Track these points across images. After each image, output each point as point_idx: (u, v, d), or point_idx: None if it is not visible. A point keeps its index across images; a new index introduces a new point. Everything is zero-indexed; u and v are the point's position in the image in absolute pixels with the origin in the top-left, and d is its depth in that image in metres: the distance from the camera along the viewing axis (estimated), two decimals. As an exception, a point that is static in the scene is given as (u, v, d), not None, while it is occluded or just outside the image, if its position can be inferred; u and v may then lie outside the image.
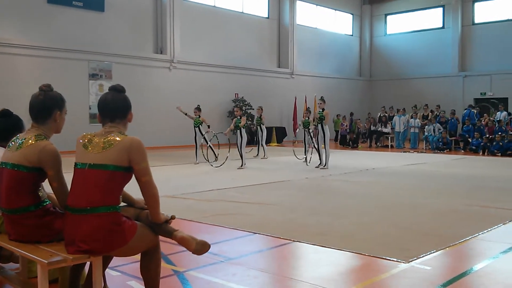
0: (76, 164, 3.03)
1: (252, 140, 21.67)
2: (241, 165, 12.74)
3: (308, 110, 16.35)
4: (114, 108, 3.12)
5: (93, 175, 2.92)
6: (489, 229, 5.77)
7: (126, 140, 2.99)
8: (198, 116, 14.02)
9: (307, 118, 14.96)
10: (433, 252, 4.78)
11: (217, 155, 13.91)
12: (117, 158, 2.94)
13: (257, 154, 16.12)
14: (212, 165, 12.76)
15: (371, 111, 27.26)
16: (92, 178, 2.91)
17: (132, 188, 3.18)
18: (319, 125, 12.58)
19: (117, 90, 3.16)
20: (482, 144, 18.30)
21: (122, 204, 3.27)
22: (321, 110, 12.59)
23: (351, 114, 26.51)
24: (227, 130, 13.94)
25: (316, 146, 13.26)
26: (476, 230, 5.68)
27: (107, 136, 3.02)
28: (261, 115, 16.10)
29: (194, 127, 14.10)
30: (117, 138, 3.00)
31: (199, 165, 13.42)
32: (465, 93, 27.14)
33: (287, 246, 5.20)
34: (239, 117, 13.24)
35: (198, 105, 14.60)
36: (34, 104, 3.19)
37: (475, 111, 21.48)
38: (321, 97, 13.02)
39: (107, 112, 3.12)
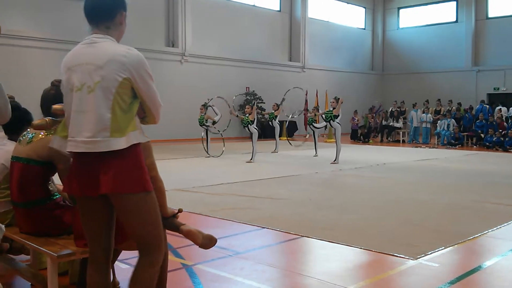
0: None
1: (265, 134, 21.67)
2: (251, 159, 12.79)
3: (316, 108, 16.28)
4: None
5: None
6: (498, 227, 5.75)
7: None
8: (203, 114, 14.02)
9: (314, 115, 15.02)
10: (441, 249, 4.78)
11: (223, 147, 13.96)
12: None
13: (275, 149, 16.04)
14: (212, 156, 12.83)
15: (383, 105, 27.09)
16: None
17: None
18: (329, 123, 12.69)
19: None
20: (494, 139, 18.16)
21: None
22: (331, 109, 12.66)
23: (374, 107, 26.07)
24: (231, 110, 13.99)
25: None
26: (485, 227, 5.65)
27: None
28: (275, 111, 16.16)
29: (200, 125, 14.10)
30: None
31: (210, 159, 13.46)
32: (478, 88, 26.88)
33: (295, 241, 5.22)
34: (247, 115, 13.22)
35: (205, 102, 14.49)
36: (45, 99, 3.22)
37: (488, 107, 21.16)
38: (335, 97, 13.06)
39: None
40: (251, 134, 13.15)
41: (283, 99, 16.21)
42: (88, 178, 2.40)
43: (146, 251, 2.54)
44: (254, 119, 13.43)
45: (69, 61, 2.46)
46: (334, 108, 12.57)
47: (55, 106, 2.79)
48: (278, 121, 16.31)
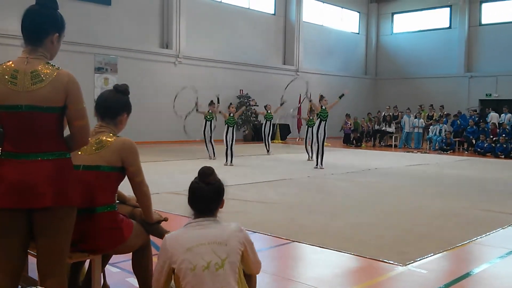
0: None
1: (258, 137, 21.69)
2: (230, 162, 12.70)
3: (311, 108, 16.21)
4: (105, 106, 3.16)
5: (87, 176, 2.94)
6: (487, 233, 5.80)
7: (118, 142, 3.02)
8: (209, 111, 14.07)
9: (311, 118, 15.00)
10: (430, 256, 4.82)
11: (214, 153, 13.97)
12: (110, 159, 2.97)
13: (268, 151, 16.16)
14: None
15: (376, 110, 27.21)
16: (87, 179, 2.93)
17: (125, 187, 3.22)
18: (321, 123, 12.42)
19: (117, 91, 3.19)
20: (486, 146, 18.29)
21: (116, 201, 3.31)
22: (324, 108, 12.45)
23: (378, 112, 25.90)
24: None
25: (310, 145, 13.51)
26: (474, 234, 5.70)
27: (98, 137, 3.05)
28: (270, 111, 16.33)
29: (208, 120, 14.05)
30: (109, 139, 3.03)
31: (202, 161, 13.46)
32: (470, 94, 27.07)
33: (286, 246, 5.25)
34: (232, 114, 13.11)
35: (212, 100, 14.54)
36: None
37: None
38: (321, 94, 13.00)
39: (98, 109, 3.18)
40: (232, 136, 12.91)
41: (283, 101, 16.06)
42: None
43: None
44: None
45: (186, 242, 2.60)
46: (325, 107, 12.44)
47: None
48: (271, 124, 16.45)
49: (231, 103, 14.58)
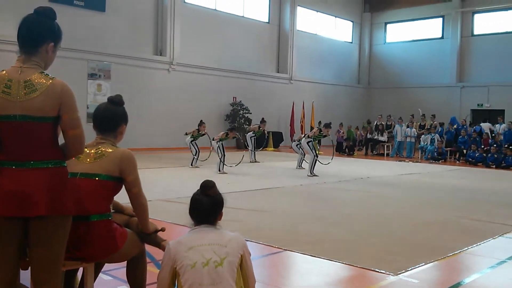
0: None
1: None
2: (223, 169, 12.84)
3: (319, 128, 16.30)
4: (104, 121, 3.18)
5: (84, 184, 2.96)
6: (478, 243, 5.84)
7: (117, 152, 3.07)
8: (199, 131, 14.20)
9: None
10: (421, 265, 4.85)
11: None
12: (109, 168, 3.00)
13: (255, 160, 16.20)
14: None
15: (368, 119, 27.31)
16: (84, 187, 2.95)
17: (122, 196, 3.23)
18: (312, 141, 13.13)
19: (112, 102, 3.21)
20: (477, 155, 18.40)
21: (112, 211, 3.32)
22: (322, 133, 13.24)
23: (368, 122, 25.92)
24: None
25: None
26: (465, 244, 5.74)
27: (98, 147, 3.09)
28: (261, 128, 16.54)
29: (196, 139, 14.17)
30: (109, 150, 3.07)
31: (195, 168, 13.46)
32: (462, 103, 27.26)
33: (278, 255, 5.26)
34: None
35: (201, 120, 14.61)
36: None
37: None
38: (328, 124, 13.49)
39: (97, 124, 3.20)
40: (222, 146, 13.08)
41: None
42: None
43: None
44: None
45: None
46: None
47: None
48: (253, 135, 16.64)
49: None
